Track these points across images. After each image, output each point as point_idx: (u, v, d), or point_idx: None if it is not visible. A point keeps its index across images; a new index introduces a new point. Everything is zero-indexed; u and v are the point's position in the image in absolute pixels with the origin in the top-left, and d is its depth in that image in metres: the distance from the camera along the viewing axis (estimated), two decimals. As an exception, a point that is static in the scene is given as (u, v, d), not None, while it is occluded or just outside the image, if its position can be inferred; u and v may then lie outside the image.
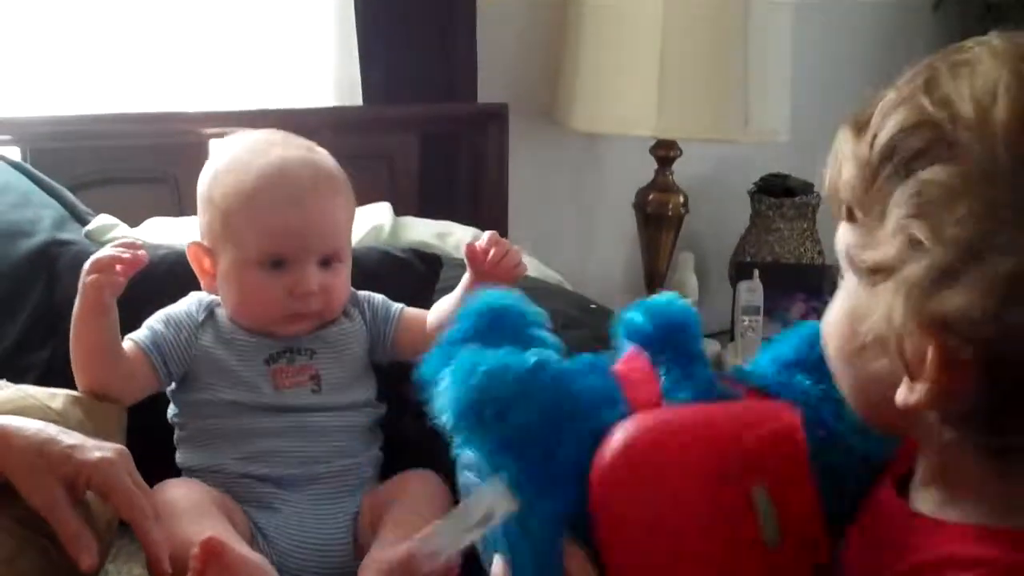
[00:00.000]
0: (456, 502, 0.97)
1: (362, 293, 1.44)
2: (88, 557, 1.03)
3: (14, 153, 1.87)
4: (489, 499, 0.83)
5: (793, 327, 0.99)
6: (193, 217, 1.43)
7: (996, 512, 0.74)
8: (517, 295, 1.00)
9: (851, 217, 0.77)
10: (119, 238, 1.60)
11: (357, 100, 2.22)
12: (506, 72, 2.43)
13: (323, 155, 1.40)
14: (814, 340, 0.88)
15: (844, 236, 0.79)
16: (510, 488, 0.83)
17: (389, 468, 1.38)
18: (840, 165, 0.77)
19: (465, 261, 1.36)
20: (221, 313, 1.38)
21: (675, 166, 2.51)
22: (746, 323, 2.56)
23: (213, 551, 1.08)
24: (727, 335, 2.75)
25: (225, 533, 1.16)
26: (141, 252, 1.27)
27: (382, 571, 1.17)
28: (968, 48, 0.73)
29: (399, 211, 1.92)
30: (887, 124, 0.73)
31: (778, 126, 2.39)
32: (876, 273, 0.73)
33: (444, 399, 0.85)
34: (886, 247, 0.72)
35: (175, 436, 1.37)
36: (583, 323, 1.63)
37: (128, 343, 1.33)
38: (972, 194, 0.68)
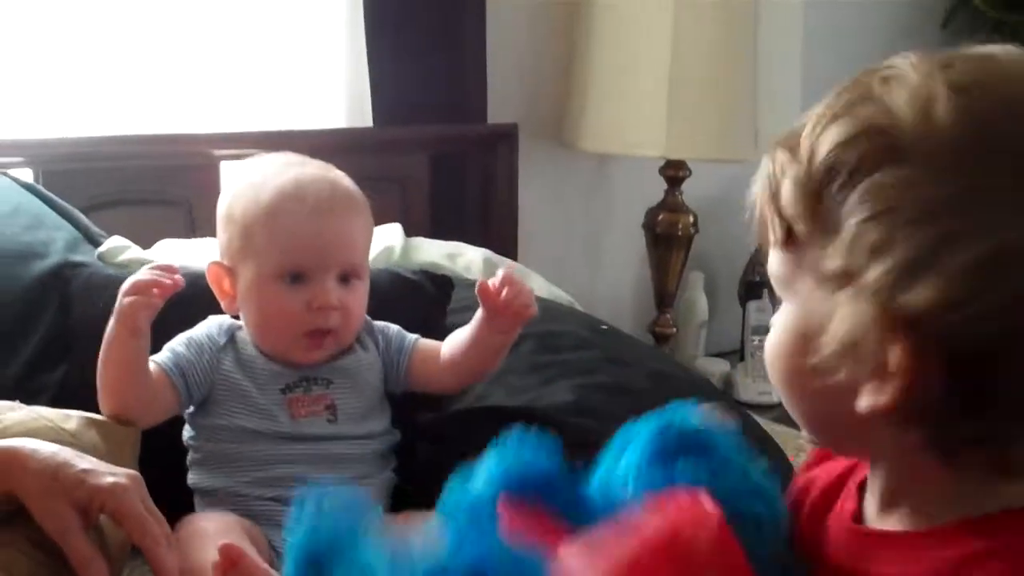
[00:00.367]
0: None
1: (378, 323, 1.45)
2: None
3: (27, 175, 1.88)
4: None
5: (621, 431, 0.91)
6: (206, 239, 1.44)
7: (970, 504, 0.75)
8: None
9: (788, 240, 0.77)
10: (134, 260, 1.61)
11: (367, 121, 2.23)
12: (516, 93, 2.44)
13: (341, 175, 1.42)
14: (663, 429, 0.86)
15: (778, 261, 0.79)
16: None
17: (402, 491, 1.38)
18: (777, 187, 0.77)
19: (478, 298, 1.36)
20: (242, 338, 1.39)
21: (684, 186, 2.51)
22: (756, 343, 2.56)
23: (232, 557, 1.09)
24: (737, 355, 2.75)
25: (245, 545, 1.17)
26: (178, 276, 1.28)
27: None
28: (889, 66, 0.75)
29: (409, 232, 1.93)
30: (827, 137, 0.74)
31: (787, 146, 2.39)
32: (835, 281, 0.73)
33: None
34: (844, 255, 0.72)
35: (188, 458, 1.38)
36: (594, 344, 1.63)
37: (151, 365, 1.33)
38: (925, 191, 0.69)
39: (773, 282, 0.81)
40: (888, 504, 0.81)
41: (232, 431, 1.34)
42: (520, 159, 2.35)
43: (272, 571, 1.18)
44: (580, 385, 1.49)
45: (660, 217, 2.52)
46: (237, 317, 1.41)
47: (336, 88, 2.24)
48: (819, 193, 0.74)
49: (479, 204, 2.36)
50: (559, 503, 0.86)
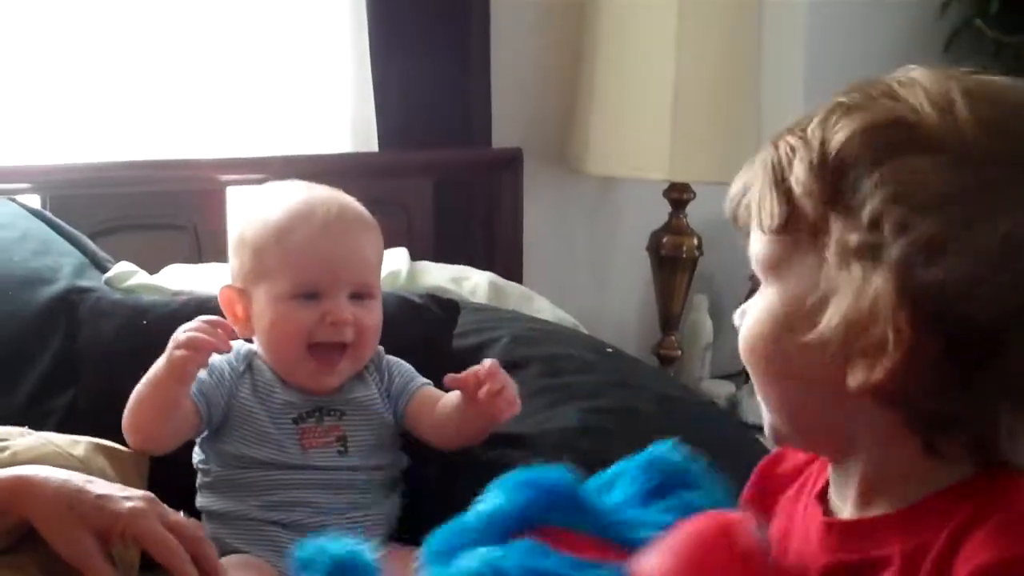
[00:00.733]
0: None
1: (391, 358, 1.45)
2: None
3: (34, 200, 1.89)
4: None
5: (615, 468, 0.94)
6: (212, 264, 1.44)
7: (943, 478, 0.78)
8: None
9: (787, 223, 0.80)
10: (141, 285, 1.62)
11: (372, 146, 2.24)
12: (520, 117, 2.44)
13: (349, 198, 1.43)
14: (648, 467, 0.89)
15: (768, 244, 0.82)
16: None
17: (410, 515, 1.38)
18: (783, 171, 0.81)
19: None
20: (259, 365, 1.40)
21: (689, 208, 2.52)
22: (761, 365, 2.55)
23: None
24: (742, 376, 2.74)
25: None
26: (226, 338, 1.30)
27: None
28: (897, 77, 0.81)
29: (414, 256, 1.93)
30: (847, 124, 0.78)
31: (791, 168, 2.39)
32: (853, 256, 0.76)
33: None
34: (865, 232, 0.76)
35: (198, 480, 1.38)
36: (599, 367, 1.63)
37: None
38: (949, 177, 0.75)
39: (757, 266, 0.84)
40: (865, 496, 0.82)
41: (241, 459, 1.35)
42: (525, 182, 2.36)
43: None
44: (586, 408, 1.50)
45: (664, 239, 2.52)
46: (250, 341, 1.41)
47: (341, 113, 2.25)
48: (839, 174, 0.78)
49: (484, 228, 2.37)
50: (586, 525, 0.88)
